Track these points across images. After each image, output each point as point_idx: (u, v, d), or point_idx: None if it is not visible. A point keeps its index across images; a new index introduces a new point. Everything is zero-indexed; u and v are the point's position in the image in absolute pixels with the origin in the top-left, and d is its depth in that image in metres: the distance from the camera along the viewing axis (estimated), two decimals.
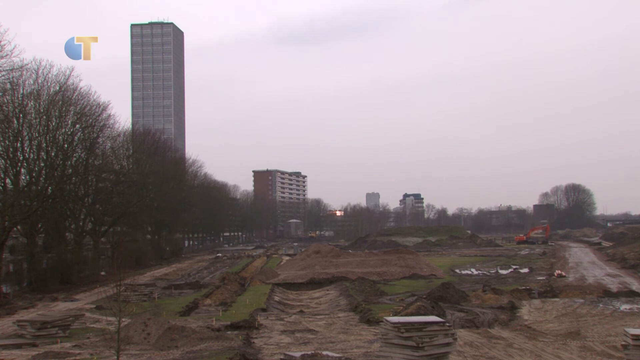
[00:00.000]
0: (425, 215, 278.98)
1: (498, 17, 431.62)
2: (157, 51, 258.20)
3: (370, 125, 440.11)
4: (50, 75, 56.90)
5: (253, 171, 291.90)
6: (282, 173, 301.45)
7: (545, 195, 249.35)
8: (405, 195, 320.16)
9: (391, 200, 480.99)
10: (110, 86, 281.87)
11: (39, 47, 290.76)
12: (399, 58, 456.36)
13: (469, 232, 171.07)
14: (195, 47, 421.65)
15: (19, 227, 55.87)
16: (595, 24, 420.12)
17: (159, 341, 26.93)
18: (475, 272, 69.39)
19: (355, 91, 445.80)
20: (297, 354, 22.34)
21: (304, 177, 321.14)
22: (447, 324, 20.51)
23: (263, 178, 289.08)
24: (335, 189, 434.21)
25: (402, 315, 29.50)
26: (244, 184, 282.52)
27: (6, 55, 46.56)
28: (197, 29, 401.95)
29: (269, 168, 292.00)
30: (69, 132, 61.73)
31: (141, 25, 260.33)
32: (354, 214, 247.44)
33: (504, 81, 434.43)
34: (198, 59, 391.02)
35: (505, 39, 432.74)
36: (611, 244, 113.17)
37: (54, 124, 58.22)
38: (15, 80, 52.57)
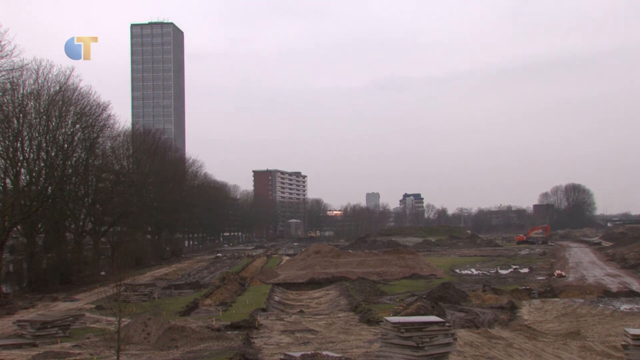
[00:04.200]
0: (425, 215, 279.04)
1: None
2: (157, 51, 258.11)
3: (370, 125, 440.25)
4: (50, 75, 56.99)
5: (253, 171, 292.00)
6: (282, 173, 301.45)
7: (545, 195, 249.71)
8: (405, 195, 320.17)
9: (391, 200, 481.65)
10: (110, 86, 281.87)
11: (39, 47, 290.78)
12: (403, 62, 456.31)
13: (469, 232, 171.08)
14: (194, 45, 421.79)
15: (19, 227, 55.88)
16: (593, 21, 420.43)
17: (159, 341, 26.92)
18: (475, 272, 69.37)
19: (354, 92, 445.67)
20: (297, 354, 22.32)
21: (304, 177, 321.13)
22: (447, 324, 20.50)
23: (263, 178, 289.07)
24: (335, 189, 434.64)
25: (402, 315, 29.49)
26: (244, 184, 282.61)
27: (6, 55, 46.63)
28: (196, 28, 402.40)
29: (269, 168, 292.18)
30: (69, 132, 61.73)
31: (141, 25, 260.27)
32: (354, 214, 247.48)
33: (504, 81, 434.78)
34: (198, 57, 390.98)
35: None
36: (611, 244, 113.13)
37: (54, 124, 58.21)
38: (15, 80, 52.60)
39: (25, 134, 55.67)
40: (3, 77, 49.97)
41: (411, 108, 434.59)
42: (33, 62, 54.70)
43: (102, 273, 65.84)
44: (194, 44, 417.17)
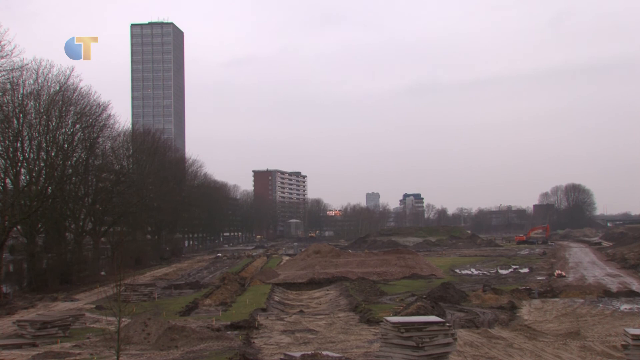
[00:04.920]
0: (425, 215, 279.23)
1: None
2: (157, 51, 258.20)
3: (371, 125, 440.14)
4: (50, 75, 56.99)
5: (253, 171, 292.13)
6: (282, 173, 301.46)
7: (545, 195, 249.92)
8: (405, 195, 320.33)
9: (391, 200, 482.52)
10: (110, 86, 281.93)
11: (39, 47, 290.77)
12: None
13: (469, 232, 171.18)
14: (195, 45, 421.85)
15: (19, 227, 55.85)
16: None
17: (159, 341, 26.92)
18: (475, 272, 69.35)
19: (355, 93, 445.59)
20: (297, 354, 22.33)
21: (304, 177, 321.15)
22: (447, 324, 20.49)
23: (263, 178, 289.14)
24: (335, 189, 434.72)
25: (402, 315, 29.48)
26: (244, 184, 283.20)
27: (6, 55, 46.62)
28: (196, 28, 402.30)
29: (269, 168, 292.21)
30: (69, 132, 61.72)
31: (141, 25, 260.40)
32: (354, 214, 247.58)
33: (506, 85, 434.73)
34: (199, 57, 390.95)
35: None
36: (611, 244, 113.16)
37: (54, 124, 58.20)
38: (15, 80, 52.63)
39: (25, 134, 55.67)
40: (3, 77, 50.05)
41: (411, 109, 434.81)
42: (33, 62, 54.82)
43: (102, 273, 65.86)
44: (195, 43, 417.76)
